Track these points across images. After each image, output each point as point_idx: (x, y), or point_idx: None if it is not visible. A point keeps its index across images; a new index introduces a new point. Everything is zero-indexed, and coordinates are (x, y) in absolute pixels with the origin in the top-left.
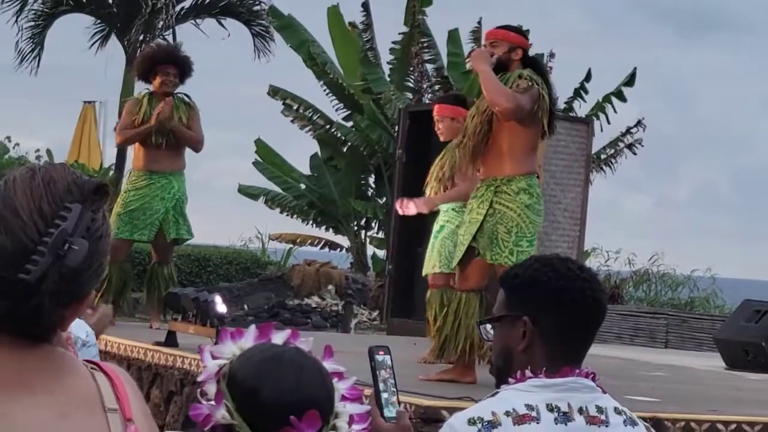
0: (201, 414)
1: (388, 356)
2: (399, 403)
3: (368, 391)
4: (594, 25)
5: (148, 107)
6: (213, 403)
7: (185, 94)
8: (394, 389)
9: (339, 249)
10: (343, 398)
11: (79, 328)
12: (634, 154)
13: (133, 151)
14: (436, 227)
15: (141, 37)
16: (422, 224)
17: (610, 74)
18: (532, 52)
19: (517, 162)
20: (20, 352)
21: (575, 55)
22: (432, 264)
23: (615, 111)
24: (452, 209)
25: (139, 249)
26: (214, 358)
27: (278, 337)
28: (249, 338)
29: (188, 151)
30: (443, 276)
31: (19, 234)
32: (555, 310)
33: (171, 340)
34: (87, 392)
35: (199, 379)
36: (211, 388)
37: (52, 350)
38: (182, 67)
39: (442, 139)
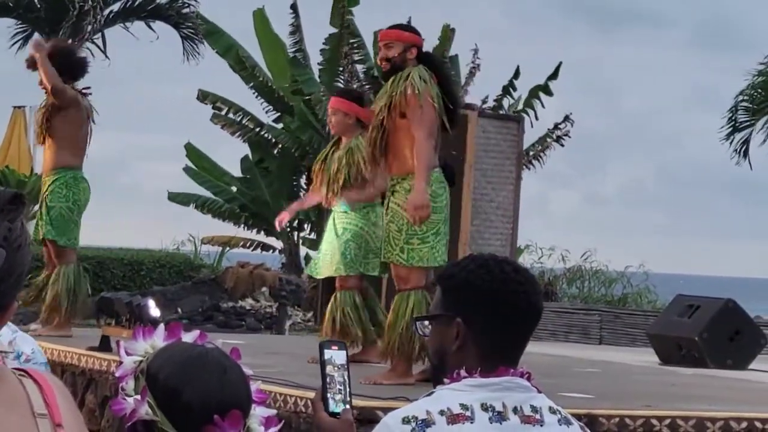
0: (125, 409)
1: (343, 352)
2: (351, 397)
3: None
4: (514, 22)
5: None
6: (138, 398)
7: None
8: (342, 386)
9: (272, 251)
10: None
11: (24, 343)
12: (562, 146)
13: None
14: (335, 229)
15: (69, 41)
16: None
17: (534, 71)
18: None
19: (411, 159)
20: None
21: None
22: (335, 267)
23: (543, 106)
24: (351, 211)
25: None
26: (128, 354)
27: (187, 337)
28: (159, 337)
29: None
30: (352, 278)
31: None
32: (488, 313)
33: (105, 345)
34: (15, 398)
35: (116, 374)
36: (130, 384)
37: None
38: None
39: (332, 132)
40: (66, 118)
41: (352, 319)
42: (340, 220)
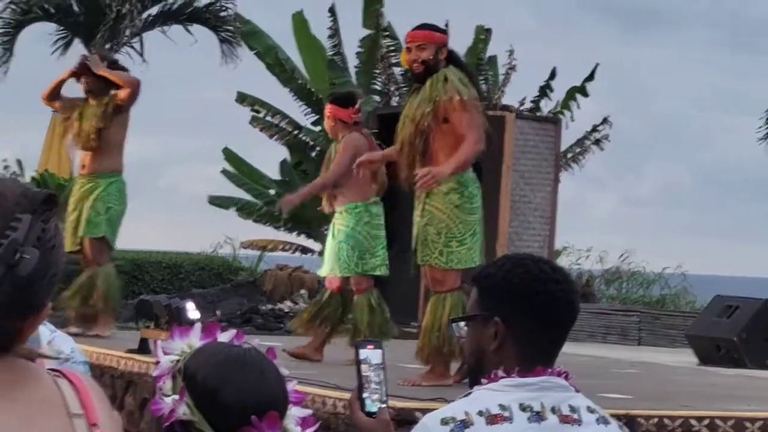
0: (162, 409)
1: (379, 351)
2: (387, 397)
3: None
4: (545, 23)
5: (79, 113)
6: (176, 397)
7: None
8: (378, 386)
9: (310, 253)
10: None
11: (63, 343)
12: (602, 149)
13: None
14: (333, 230)
15: (107, 45)
16: (391, 228)
17: (568, 72)
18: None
19: (445, 161)
20: None
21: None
22: (330, 267)
23: (579, 107)
24: (344, 212)
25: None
26: (165, 354)
27: (224, 337)
28: (196, 336)
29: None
30: (360, 279)
31: None
32: (526, 312)
33: (144, 348)
34: (51, 398)
35: (153, 374)
36: (168, 384)
37: (13, 360)
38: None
39: (330, 136)
40: (121, 123)
41: (369, 321)
42: (336, 220)
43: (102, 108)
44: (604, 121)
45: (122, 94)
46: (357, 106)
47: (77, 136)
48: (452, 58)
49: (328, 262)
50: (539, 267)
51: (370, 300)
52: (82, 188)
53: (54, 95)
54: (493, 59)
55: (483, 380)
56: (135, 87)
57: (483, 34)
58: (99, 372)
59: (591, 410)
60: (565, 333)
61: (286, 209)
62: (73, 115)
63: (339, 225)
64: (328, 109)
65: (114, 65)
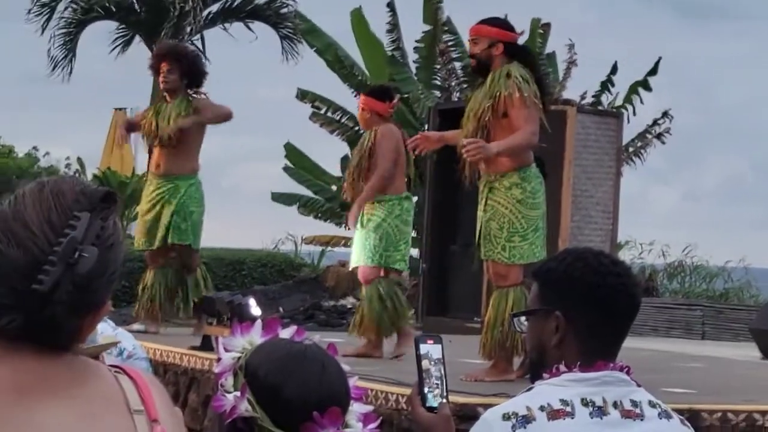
0: (225, 405)
1: (438, 346)
2: (448, 392)
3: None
4: (604, 16)
5: (154, 111)
6: (238, 394)
7: (191, 93)
8: (438, 380)
9: None
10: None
11: (126, 340)
12: (663, 143)
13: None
14: (362, 220)
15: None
16: (455, 222)
17: (628, 66)
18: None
19: (508, 156)
20: (41, 360)
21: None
22: (357, 257)
23: (642, 102)
24: (377, 202)
25: None
26: (226, 350)
27: (285, 333)
28: (257, 333)
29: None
30: (375, 271)
31: (30, 246)
32: (588, 306)
33: (206, 345)
34: (111, 395)
35: (215, 371)
36: (229, 381)
37: (74, 357)
38: (180, 64)
39: (364, 128)
40: (203, 125)
41: (376, 313)
42: (367, 211)
43: (181, 109)
44: (665, 114)
45: (211, 118)
46: (394, 101)
47: (152, 134)
48: (517, 54)
49: (356, 253)
50: (600, 261)
51: (378, 290)
52: (160, 189)
53: (132, 129)
54: (552, 55)
55: (544, 375)
56: (226, 120)
57: (540, 29)
58: (162, 369)
59: (653, 405)
60: (626, 327)
61: (353, 224)
62: (149, 113)
63: (369, 215)
64: (364, 101)
65: (195, 61)
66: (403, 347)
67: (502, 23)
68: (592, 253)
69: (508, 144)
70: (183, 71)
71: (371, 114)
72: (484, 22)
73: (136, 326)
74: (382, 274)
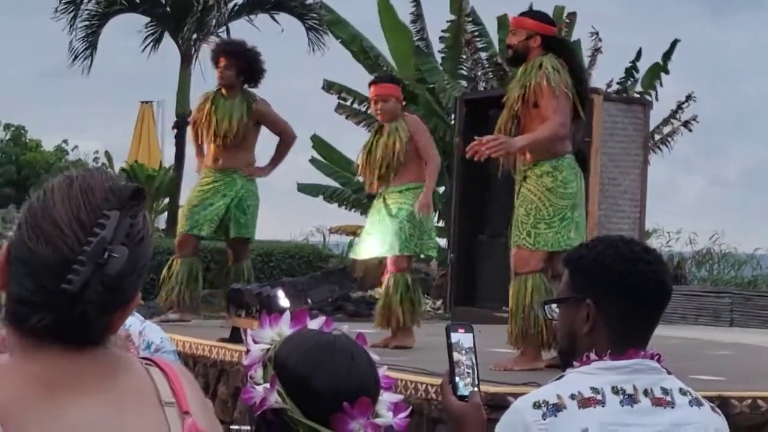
0: (255, 397)
1: (470, 335)
2: (479, 380)
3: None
4: (626, 5)
5: (211, 105)
6: (268, 386)
7: (249, 92)
8: (470, 369)
9: None
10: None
11: (153, 333)
12: (690, 131)
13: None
14: (387, 209)
15: (194, 36)
16: (483, 211)
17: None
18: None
19: (542, 146)
20: (72, 356)
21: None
22: (387, 247)
23: (661, 85)
24: (405, 190)
25: (210, 247)
26: (255, 342)
27: (314, 324)
28: (285, 324)
29: (260, 149)
30: (406, 259)
31: (60, 244)
32: (619, 294)
33: (235, 336)
34: (143, 388)
35: (244, 363)
36: (259, 373)
37: (105, 352)
38: (238, 61)
39: (382, 119)
40: (259, 127)
41: (405, 302)
42: (394, 200)
43: (243, 110)
44: (688, 98)
45: (274, 129)
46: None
47: (210, 130)
48: (554, 47)
49: (384, 243)
50: (631, 248)
51: (407, 279)
52: (217, 181)
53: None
54: (576, 43)
55: (575, 363)
56: (290, 142)
57: (567, 18)
58: (192, 361)
59: (683, 392)
60: (657, 315)
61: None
62: (206, 107)
63: (399, 204)
64: (388, 89)
65: (254, 58)
66: (400, 341)
67: (542, 16)
68: (623, 240)
69: (534, 137)
70: (240, 68)
71: (393, 101)
72: (524, 14)
73: (172, 315)
74: (402, 263)
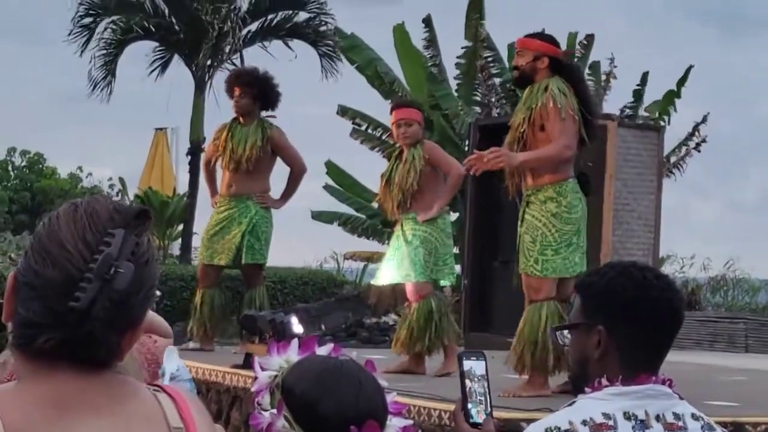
0: (262, 423)
1: (482, 362)
2: (491, 407)
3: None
4: (641, 29)
5: (228, 133)
6: (275, 411)
7: (266, 119)
8: (482, 397)
9: None
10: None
11: (170, 361)
12: (699, 152)
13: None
14: (404, 236)
15: (209, 62)
16: (496, 237)
17: (666, 78)
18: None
19: (546, 171)
20: (81, 377)
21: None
22: (404, 273)
23: (676, 110)
24: (412, 219)
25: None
26: (263, 369)
27: (322, 351)
28: (294, 351)
29: (275, 176)
30: (427, 286)
31: (66, 265)
32: (630, 320)
33: (249, 363)
34: (151, 412)
35: (252, 389)
36: (266, 399)
37: (113, 375)
38: (252, 89)
39: (403, 143)
40: (275, 156)
41: (430, 328)
42: (409, 227)
43: (258, 136)
44: (704, 120)
45: (285, 158)
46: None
47: (228, 157)
48: (562, 69)
49: (401, 269)
50: (643, 274)
51: (431, 305)
52: (231, 208)
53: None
54: (596, 65)
55: (586, 389)
56: (300, 174)
57: (584, 40)
58: (205, 388)
59: (696, 417)
60: (669, 340)
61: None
62: (223, 134)
63: (414, 231)
64: (411, 113)
65: (268, 84)
66: (451, 365)
67: (548, 38)
68: (635, 266)
69: (537, 155)
70: (255, 95)
71: (416, 125)
72: (531, 35)
73: (192, 344)
74: (424, 289)
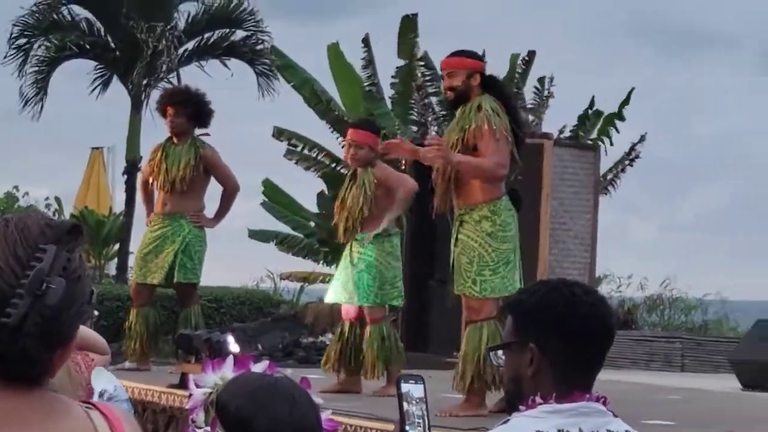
0: None
1: (420, 386)
2: (429, 429)
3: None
4: (583, 50)
5: (162, 153)
6: (209, 429)
7: (199, 138)
8: (420, 419)
9: None
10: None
11: (107, 381)
12: (632, 167)
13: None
14: (351, 257)
15: (144, 81)
16: (432, 256)
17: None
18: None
19: (479, 189)
20: (14, 394)
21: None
22: (348, 295)
23: (618, 131)
24: (360, 241)
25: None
26: (198, 386)
27: (256, 368)
28: (228, 369)
29: (209, 194)
30: (378, 310)
31: None
32: (561, 337)
33: (185, 382)
34: (83, 430)
35: (186, 407)
36: (201, 416)
37: (45, 392)
38: (186, 108)
39: (354, 165)
40: (208, 174)
41: (379, 352)
42: (357, 249)
43: (191, 155)
44: (642, 139)
45: (218, 177)
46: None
47: (162, 177)
48: (491, 85)
49: (345, 291)
50: (572, 290)
51: (382, 330)
52: (165, 227)
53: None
54: (543, 80)
55: (520, 407)
56: (233, 192)
57: (523, 60)
58: (141, 407)
59: None
60: (601, 356)
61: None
62: (158, 155)
63: (359, 254)
64: (359, 135)
65: (201, 103)
66: (391, 388)
67: (475, 54)
68: (564, 283)
69: (472, 161)
70: (189, 114)
71: (367, 149)
72: (459, 54)
73: (128, 364)
74: (376, 313)
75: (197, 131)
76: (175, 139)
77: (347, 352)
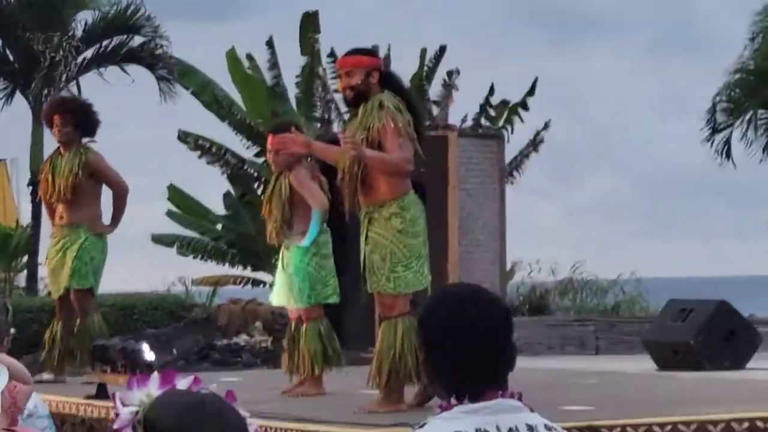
0: None
1: None
2: None
3: None
4: (483, 41)
5: (50, 165)
6: None
7: (83, 145)
8: None
9: (262, 285)
10: None
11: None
12: (537, 152)
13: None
14: (282, 262)
15: (45, 91)
16: (344, 254)
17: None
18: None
19: (385, 187)
20: None
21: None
22: (285, 298)
23: (522, 120)
24: (287, 245)
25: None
26: (123, 405)
27: (182, 383)
28: (154, 385)
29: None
30: (314, 309)
31: None
32: (452, 340)
33: (102, 393)
34: None
35: (114, 426)
36: None
37: None
38: (73, 116)
39: (275, 169)
40: (99, 182)
41: (317, 352)
42: (286, 253)
43: (74, 163)
44: (546, 126)
45: (105, 181)
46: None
47: (51, 189)
48: (389, 81)
49: (282, 294)
50: (460, 300)
51: (320, 328)
52: (64, 238)
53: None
54: (452, 72)
55: (436, 409)
56: (123, 195)
57: (435, 54)
58: (60, 420)
59: (548, 428)
60: (494, 359)
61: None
62: (46, 168)
63: (288, 257)
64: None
65: (87, 111)
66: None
67: (371, 52)
68: (451, 293)
69: (381, 157)
70: (76, 123)
71: (290, 155)
72: (355, 52)
73: (45, 376)
74: (312, 312)
75: (85, 140)
76: (62, 149)
77: (294, 351)
